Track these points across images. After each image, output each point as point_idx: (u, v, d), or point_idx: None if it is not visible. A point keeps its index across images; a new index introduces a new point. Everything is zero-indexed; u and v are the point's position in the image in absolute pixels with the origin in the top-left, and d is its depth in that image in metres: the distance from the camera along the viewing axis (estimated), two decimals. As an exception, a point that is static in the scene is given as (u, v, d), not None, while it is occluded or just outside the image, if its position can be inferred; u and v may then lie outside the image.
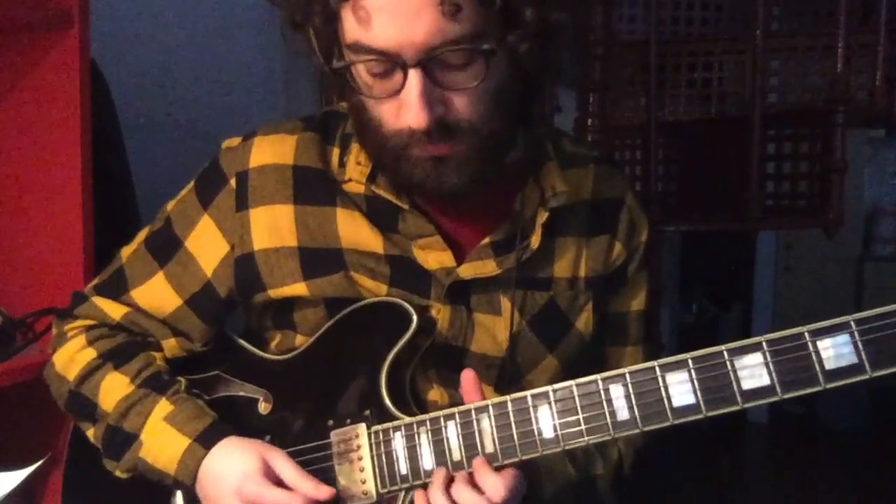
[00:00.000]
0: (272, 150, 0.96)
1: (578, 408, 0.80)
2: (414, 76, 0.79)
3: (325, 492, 0.87)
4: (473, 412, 0.84)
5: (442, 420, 0.85)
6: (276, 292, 0.95)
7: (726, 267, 4.96)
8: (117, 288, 1.02)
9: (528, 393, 0.83)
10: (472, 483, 0.82)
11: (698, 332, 4.89)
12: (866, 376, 0.71)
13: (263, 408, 0.98)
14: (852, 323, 0.72)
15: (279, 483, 0.88)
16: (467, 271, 0.93)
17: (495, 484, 0.81)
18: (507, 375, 0.96)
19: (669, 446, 1.09)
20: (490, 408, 0.83)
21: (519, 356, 0.96)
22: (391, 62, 0.79)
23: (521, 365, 0.97)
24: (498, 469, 0.83)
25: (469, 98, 0.82)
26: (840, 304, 4.63)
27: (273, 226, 0.95)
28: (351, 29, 0.80)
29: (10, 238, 1.30)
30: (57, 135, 1.23)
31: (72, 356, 1.01)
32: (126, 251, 1.04)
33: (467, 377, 0.86)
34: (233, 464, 0.89)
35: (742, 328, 5.02)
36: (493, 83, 0.82)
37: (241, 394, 1.00)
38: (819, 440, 4.12)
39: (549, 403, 0.81)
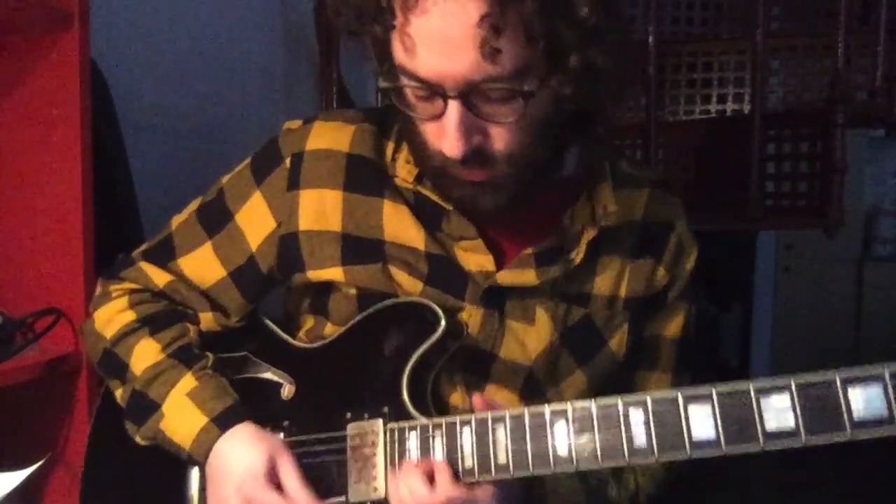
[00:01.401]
0: (330, 136, 0.98)
1: (596, 429, 0.79)
2: (453, 106, 0.79)
3: None
4: (490, 421, 0.83)
5: (458, 425, 0.85)
6: (314, 274, 0.97)
7: (726, 267, 4.96)
8: (164, 255, 1.04)
9: (546, 408, 0.81)
10: (429, 475, 0.83)
11: (698, 332, 4.88)
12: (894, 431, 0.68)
13: (287, 393, 0.99)
14: (886, 374, 0.69)
15: (281, 487, 0.89)
16: (506, 278, 0.93)
17: (446, 485, 0.82)
18: (532, 385, 0.96)
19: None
20: (507, 418, 0.83)
21: (547, 367, 0.96)
22: (433, 91, 0.80)
23: (548, 376, 0.96)
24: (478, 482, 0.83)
25: (508, 130, 0.82)
26: (840, 304, 4.64)
27: (320, 209, 0.96)
28: (398, 53, 0.81)
29: (10, 238, 1.30)
30: (57, 135, 1.23)
31: (112, 316, 1.03)
32: (176, 220, 1.06)
33: (476, 403, 0.86)
34: (241, 457, 0.90)
35: (742, 328, 5.03)
36: (533, 117, 0.82)
37: (267, 376, 1.01)
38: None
39: (567, 420, 0.80)
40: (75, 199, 1.23)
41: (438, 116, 0.81)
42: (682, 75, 2.49)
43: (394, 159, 0.96)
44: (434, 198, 0.93)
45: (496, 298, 0.94)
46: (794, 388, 0.72)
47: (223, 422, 0.93)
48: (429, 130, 0.85)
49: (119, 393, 1.01)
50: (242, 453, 0.91)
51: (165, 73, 1.85)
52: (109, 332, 1.02)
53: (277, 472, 0.90)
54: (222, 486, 0.91)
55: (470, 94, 0.79)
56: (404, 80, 0.82)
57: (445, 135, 0.81)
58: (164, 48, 1.85)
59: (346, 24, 0.84)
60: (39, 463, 1.18)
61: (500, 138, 0.82)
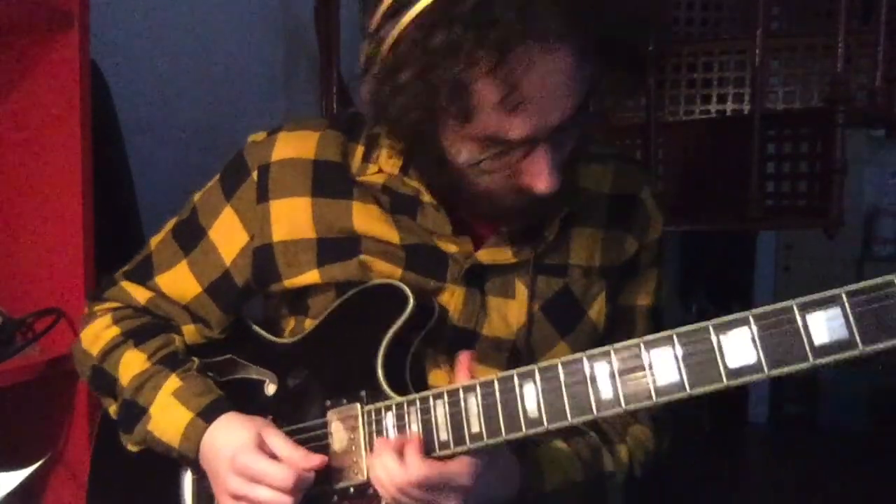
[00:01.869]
0: (295, 145, 0.98)
1: (563, 386, 0.79)
2: (544, 149, 0.81)
3: (314, 460, 0.89)
4: (461, 391, 0.84)
5: (431, 399, 0.86)
6: (291, 282, 0.97)
7: (726, 267, 4.96)
8: (144, 273, 1.06)
9: (514, 371, 0.82)
10: (402, 451, 0.83)
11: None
12: (857, 352, 0.67)
13: (270, 389, 1.00)
14: (843, 296, 0.67)
15: (273, 457, 0.90)
16: (485, 256, 0.95)
17: (416, 462, 0.81)
18: (516, 360, 0.97)
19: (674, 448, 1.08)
20: (477, 387, 0.83)
21: (531, 340, 0.97)
22: (521, 146, 0.81)
23: (532, 349, 0.97)
24: (463, 453, 0.83)
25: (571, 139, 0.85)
26: (840, 304, 4.63)
27: (292, 218, 0.97)
28: (486, 121, 0.79)
29: (10, 238, 1.30)
30: (57, 135, 1.23)
31: (97, 333, 1.04)
32: (155, 240, 1.07)
33: (462, 358, 0.87)
34: (229, 437, 0.92)
35: (742, 328, 5.01)
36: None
37: (252, 376, 1.02)
38: (819, 440, 4.12)
39: (535, 382, 0.80)
40: (75, 199, 1.23)
41: (517, 163, 0.82)
42: (682, 75, 2.49)
43: (366, 160, 0.97)
44: (419, 188, 0.94)
45: (477, 277, 0.96)
46: (751, 320, 0.71)
47: (208, 415, 0.94)
48: (497, 176, 0.84)
49: (112, 409, 1.03)
50: (230, 434, 0.92)
51: (165, 73, 1.85)
52: (96, 350, 1.04)
53: (266, 442, 0.91)
54: (218, 470, 0.92)
55: (557, 134, 0.81)
56: (489, 151, 0.81)
57: (535, 175, 0.82)
58: (164, 48, 1.85)
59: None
60: (39, 463, 1.18)
61: (566, 150, 0.86)
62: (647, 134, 2.12)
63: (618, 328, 1.04)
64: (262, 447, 0.90)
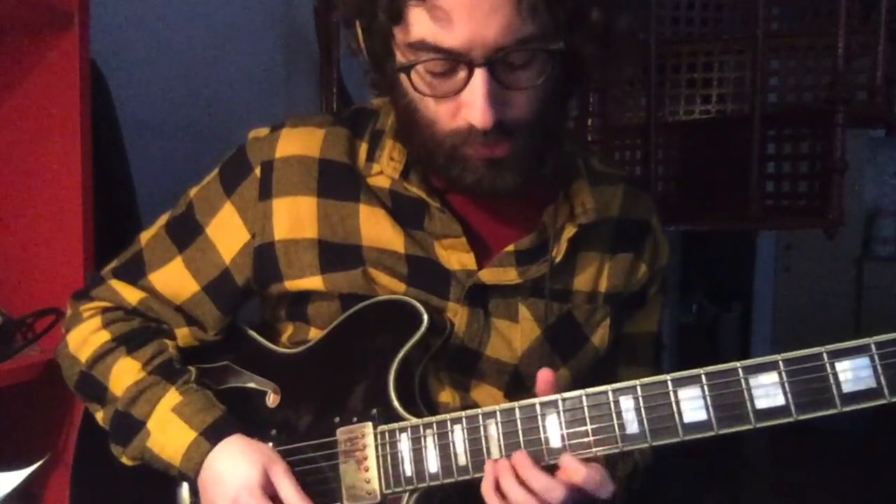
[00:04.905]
0: (299, 142, 0.96)
1: (587, 418, 0.79)
2: (480, 76, 0.79)
3: None
4: (481, 417, 0.84)
5: (449, 424, 0.85)
6: (292, 284, 0.95)
7: (726, 267, 4.97)
8: (135, 272, 1.02)
9: (536, 400, 0.82)
10: (521, 480, 0.80)
11: (698, 332, 4.90)
12: (884, 401, 0.69)
13: (272, 401, 0.97)
14: (873, 346, 0.70)
15: (276, 498, 0.89)
16: (488, 276, 0.93)
17: (546, 484, 0.79)
18: (517, 382, 0.96)
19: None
20: (498, 414, 0.83)
21: (532, 365, 0.95)
22: (457, 61, 0.79)
23: (533, 374, 0.95)
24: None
25: (528, 97, 0.82)
26: (840, 304, 4.64)
27: (295, 217, 0.94)
28: (418, 27, 0.79)
29: (10, 238, 1.30)
30: (57, 135, 1.23)
31: (86, 337, 1.01)
32: (145, 235, 1.04)
33: (543, 377, 0.84)
34: (235, 469, 0.89)
35: (742, 328, 5.03)
36: (553, 82, 0.82)
37: (251, 385, 1.00)
38: (818, 440, 4.12)
39: (558, 412, 0.81)
40: (75, 199, 1.23)
41: (458, 91, 0.80)
42: (682, 75, 2.49)
43: (371, 159, 0.95)
44: (420, 194, 0.92)
45: (479, 297, 0.94)
46: (781, 364, 0.73)
47: (212, 434, 0.91)
48: (442, 110, 0.83)
49: (100, 416, 0.99)
50: (235, 466, 0.89)
51: (165, 73, 1.85)
52: (84, 355, 1.00)
53: (272, 481, 0.89)
54: (215, 500, 0.90)
55: (495, 63, 0.78)
56: (424, 56, 0.80)
57: (471, 107, 0.80)
58: (164, 48, 1.85)
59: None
60: (39, 463, 1.18)
61: (520, 106, 0.82)
62: (647, 134, 2.13)
63: (622, 354, 1.04)
64: (268, 488, 0.88)
